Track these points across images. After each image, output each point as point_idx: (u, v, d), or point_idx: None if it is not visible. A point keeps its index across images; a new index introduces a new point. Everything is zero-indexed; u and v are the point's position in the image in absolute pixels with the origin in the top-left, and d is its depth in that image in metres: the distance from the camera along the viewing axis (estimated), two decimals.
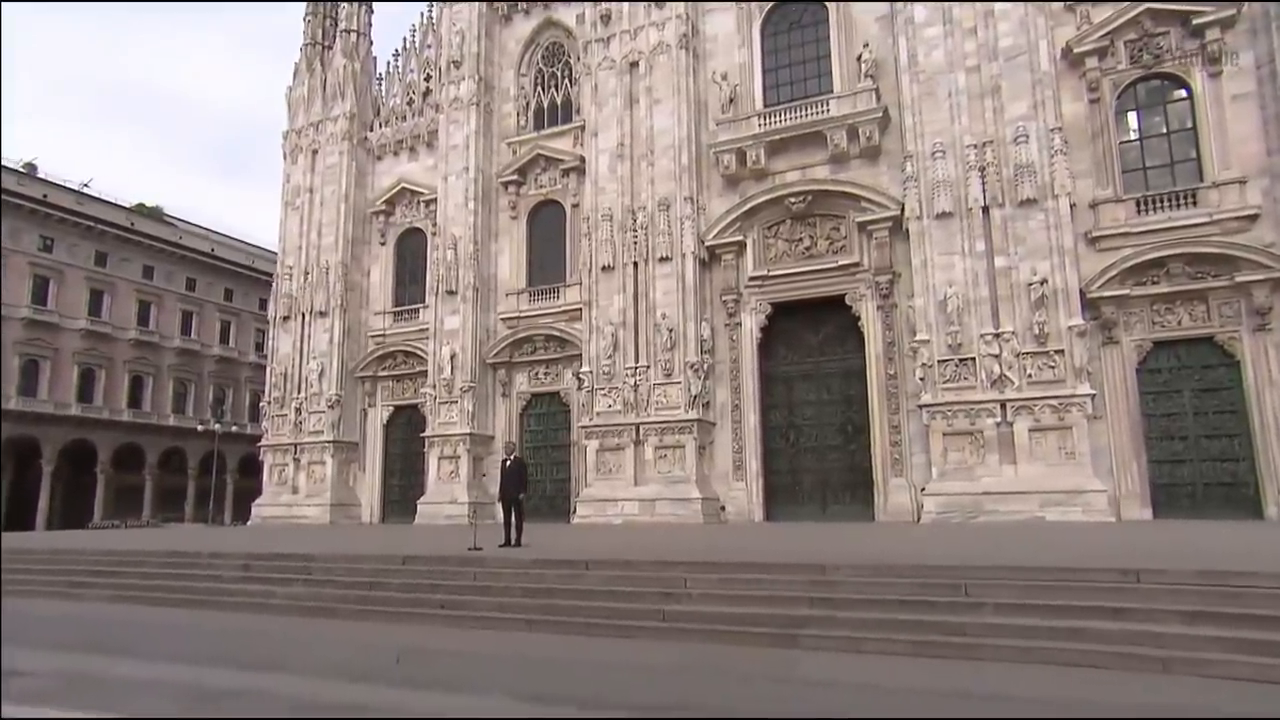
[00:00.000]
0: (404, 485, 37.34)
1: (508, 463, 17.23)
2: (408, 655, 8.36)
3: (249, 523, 39.01)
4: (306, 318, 38.52)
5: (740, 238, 30.92)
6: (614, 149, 32.55)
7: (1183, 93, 25.76)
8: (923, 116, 27.66)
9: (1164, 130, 25.99)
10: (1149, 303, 25.26)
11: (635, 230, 31.58)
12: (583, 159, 34.13)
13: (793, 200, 30.05)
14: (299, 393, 38.10)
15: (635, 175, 32.06)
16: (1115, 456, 25.02)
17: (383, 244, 39.32)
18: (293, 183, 40.27)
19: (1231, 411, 24.26)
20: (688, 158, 31.40)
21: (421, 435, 35.24)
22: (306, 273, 38.83)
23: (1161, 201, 25.27)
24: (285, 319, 39.23)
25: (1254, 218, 24.10)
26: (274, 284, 40.41)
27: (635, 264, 31.44)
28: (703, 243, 31.05)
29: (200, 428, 51.56)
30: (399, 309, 38.58)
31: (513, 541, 15.82)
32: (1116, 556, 11.12)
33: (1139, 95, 26.45)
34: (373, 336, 38.71)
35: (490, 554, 13.73)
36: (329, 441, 36.97)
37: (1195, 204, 24.83)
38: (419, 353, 36.42)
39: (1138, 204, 25.62)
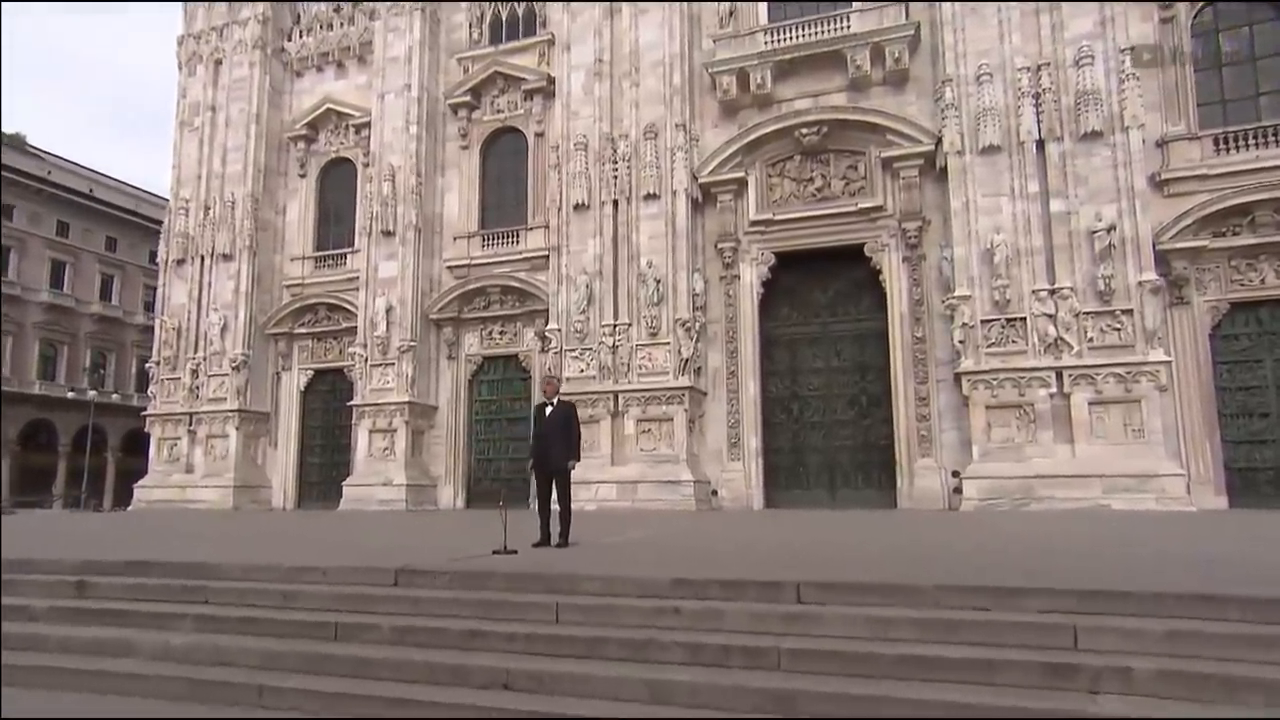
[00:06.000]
0: (325, 464, 31.43)
1: (548, 409, 10.93)
2: None
3: (130, 508, 32.30)
4: (206, 261, 31.90)
5: (740, 174, 26.27)
6: (590, 65, 27.35)
7: (1272, 11, 22.30)
8: (966, 34, 23.57)
9: (1250, 55, 22.51)
10: (1227, 257, 21.83)
11: (615, 162, 26.55)
12: (551, 78, 28.78)
13: (804, 131, 25.51)
14: (196, 352, 31.55)
15: (616, 97, 26.97)
16: (1184, 436, 21.54)
17: (302, 176, 32.98)
18: (190, 98, 33.36)
19: None
20: (680, 78, 26.49)
21: (348, 404, 29.47)
22: (207, 207, 32.16)
23: (1246, 139, 21.79)
24: (179, 263, 32.50)
25: None
26: (166, 219, 33.53)
27: (615, 202, 26.46)
28: (695, 180, 26.25)
29: (72, 395, 43.74)
30: (322, 254, 32.40)
31: (553, 539, 10.55)
32: None
33: (1220, 14, 22.86)
34: (289, 286, 32.43)
35: (547, 562, 8.47)
36: (233, 411, 30.65)
37: None
38: (346, 305, 30.47)
39: (1216, 141, 22.09)
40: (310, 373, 31.97)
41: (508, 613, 7.13)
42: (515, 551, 9.41)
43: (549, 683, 5.95)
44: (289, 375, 32.08)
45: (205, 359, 31.41)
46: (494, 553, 9.39)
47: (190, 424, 31.41)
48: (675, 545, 11.69)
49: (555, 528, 10.63)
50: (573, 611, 6.95)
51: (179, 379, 31.71)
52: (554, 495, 10.75)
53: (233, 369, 30.88)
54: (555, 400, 10.94)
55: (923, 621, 6.16)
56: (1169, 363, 20.97)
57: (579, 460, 11.01)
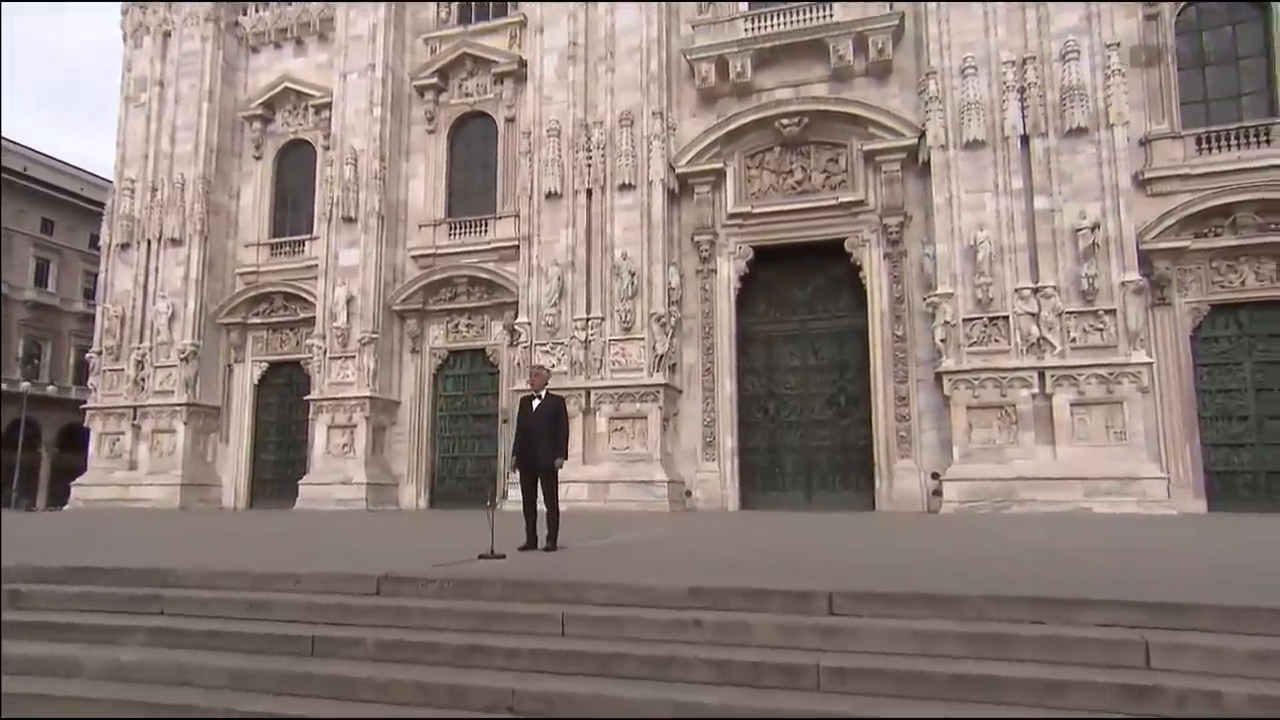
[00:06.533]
0: (280, 461, 30.00)
1: (534, 403, 9.87)
2: None
3: (66, 507, 30.44)
4: (154, 246, 30.18)
5: (719, 165, 25.56)
6: (564, 49, 26.37)
7: (1255, 11, 22.25)
8: (950, 26, 23.17)
9: (1233, 56, 22.45)
10: (1208, 258, 21.74)
11: (589, 150, 25.65)
12: (523, 61, 27.72)
13: (785, 122, 24.88)
14: (141, 342, 29.85)
15: (591, 83, 26.05)
16: (1165, 438, 21.38)
17: (258, 158, 31.41)
18: (135, 72, 31.51)
19: None
20: (657, 64, 25.65)
21: (305, 399, 28.09)
22: (154, 189, 30.40)
23: (1228, 139, 21.71)
24: (124, 247, 30.71)
25: None
26: (109, 201, 31.66)
27: (588, 191, 25.57)
28: (672, 170, 25.45)
29: (3, 387, 41.32)
30: (278, 240, 30.91)
31: (539, 541, 9.67)
32: None
33: (1203, 14, 22.76)
34: (242, 274, 30.88)
35: (541, 568, 7.61)
36: (181, 404, 29.03)
37: (1269, 142, 21.33)
38: (304, 295, 29.05)
39: (1199, 141, 21.98)
40: (265, 365, 30.49)
41: (507, 625, 6.35)
42: (503, 556, 8.50)
43: (559, 705, 5.24)
44: (242, 367, 30.54)
45: (151, 349, 29.74)
46: (480, 557, 8.49)
47: (134, 418, 29.72)
48: (669, 548, 10.95)
49: (542, 530, 9.76)
50: (580, 624, 6.21)
51: (122, 370, 29.96)
52: (539, 496, 9.88)
53: (181, 360, 29.26)
54: (543, 393, 9.96)
55: (972, 636, 5.54)
56: (1150, 364, 20.78)
57: (566, 458, 10.13)
